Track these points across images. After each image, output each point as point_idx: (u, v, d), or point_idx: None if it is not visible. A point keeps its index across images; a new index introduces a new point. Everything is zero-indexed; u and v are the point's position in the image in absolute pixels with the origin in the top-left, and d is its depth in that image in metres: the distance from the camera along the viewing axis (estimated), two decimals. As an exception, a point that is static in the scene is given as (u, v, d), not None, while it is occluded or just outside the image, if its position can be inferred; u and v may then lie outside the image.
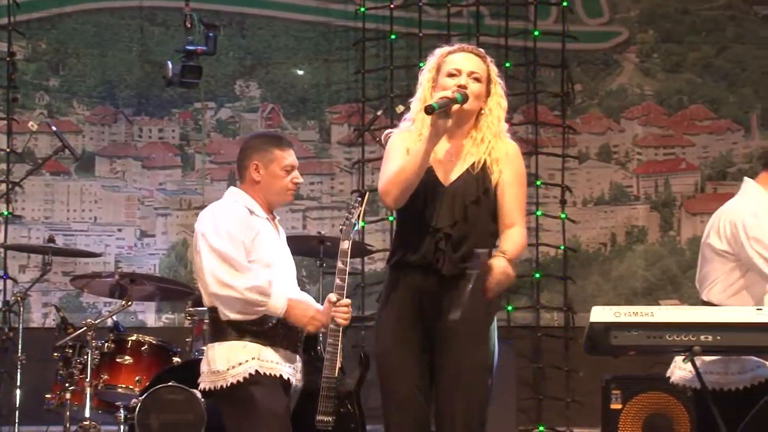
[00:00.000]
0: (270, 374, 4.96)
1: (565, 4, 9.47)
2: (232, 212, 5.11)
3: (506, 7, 9.53)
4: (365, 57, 9.59)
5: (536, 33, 9.49)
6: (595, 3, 9.80)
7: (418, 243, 4.52)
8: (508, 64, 9.44)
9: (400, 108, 8.65)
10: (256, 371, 4.93)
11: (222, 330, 5.03)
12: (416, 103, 4.71)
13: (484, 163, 4.57)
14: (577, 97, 9.61)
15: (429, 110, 4.37)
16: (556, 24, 9.60)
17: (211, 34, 8.75)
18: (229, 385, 4.97)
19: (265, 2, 9.79)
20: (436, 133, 4.41)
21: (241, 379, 4.97)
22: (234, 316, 4.96)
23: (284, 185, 5.19)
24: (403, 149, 4.57)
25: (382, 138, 4.76)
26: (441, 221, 4.51)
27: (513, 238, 4.58)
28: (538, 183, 9.21)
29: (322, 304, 5.32)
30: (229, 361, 4.98)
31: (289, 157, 5.21)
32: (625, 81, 9.77)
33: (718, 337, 4.78)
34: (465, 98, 4.49)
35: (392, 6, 9.51)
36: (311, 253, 7.93)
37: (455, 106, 4.43)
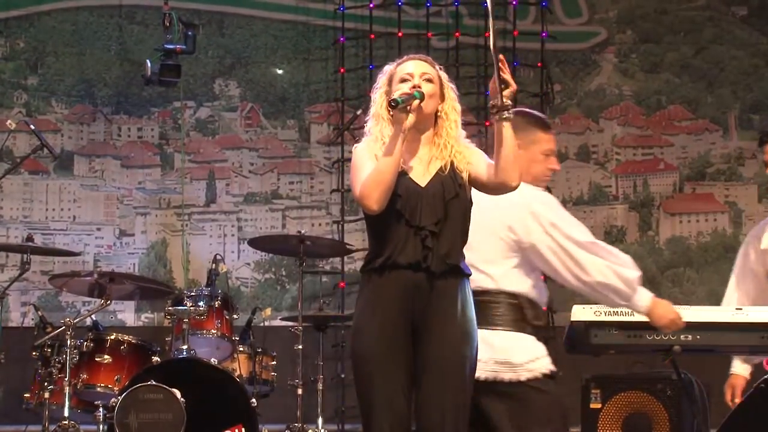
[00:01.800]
0: (554, 376, 4.77)
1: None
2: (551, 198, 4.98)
3: (485, 7, 9.54)
4: (344, 56, 9.60)
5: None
6: (574, 3, 9.83)
7: (403, 244, 4.51)
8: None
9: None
10: (550, 371, 4.73)
11: (521, 320, 4.78)
12: (372, 120, 4.71)
13: (452, 164, 4.60)
14: (556, 97, 9.63)
15: (393, 104, 4.42)
16: (535, 24, 9.63)
17: (190, 33, 8.73)
18: (523, 379, 4.73)
19: (245, 1, 9.79)
20: (401, 129, 4.44)
21: (539, 375, 4.74)
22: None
23: (542, 170, 5.01)
24: (371, 155, 4.59)
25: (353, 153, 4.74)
26: (425, 220, 4.51)
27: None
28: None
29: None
30: (528, 354, 4.74)
31: (551, 141, 5.01)
32: (603, 81, 9.81)
33: (698, 337, 4.81)
34: (422, 97, 4.51)
35: (371, 5, 9.52)
36: (291, 252, 7.93)
37: (414, 102, 4.46)
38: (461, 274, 4.58)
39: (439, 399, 4.51)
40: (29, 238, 7.88)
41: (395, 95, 4.48)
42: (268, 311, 8.36)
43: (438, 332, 4.51)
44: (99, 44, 9.66)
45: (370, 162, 4.55)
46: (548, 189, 9.18)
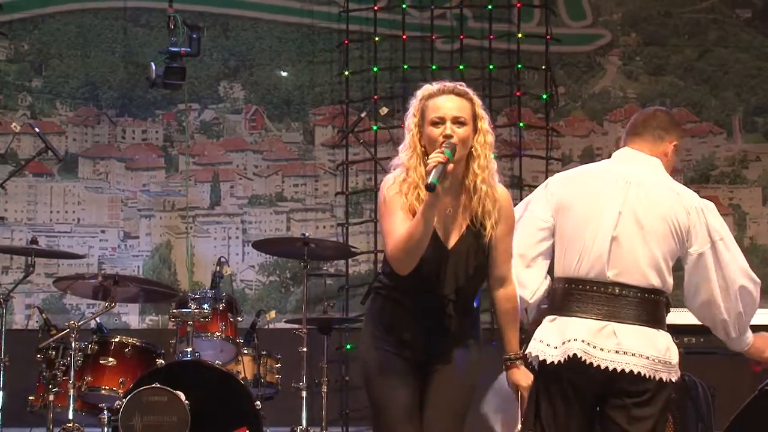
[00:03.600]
0: None
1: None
2: None
3: (489, 10, 9.56)
4: (349, 59, 9.60)
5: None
6: (578, 6, 9.83)
7: (425, 301, 4.51)
8: (491, 67, 9.49)
9: (384, 110, 8.70)
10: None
11: (664, 319, 4.66)
12: (405, 150, 4.55)
13: (480, 217, 4.52)
14: (561, 100, 9.64)
15: (431, 188, 4.25)
16: (540, 26, 9.63)
17: (194, 36, 8.74)
18: (672, 380, 4.61)
19: (249, 4, 9.79)
20: (436, 196, 4.30)
21: (678, 378, 4.68)
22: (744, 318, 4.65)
23: (670, 169, 5.03)
24: (403, 203, 4.47)
25: (382, 189, 4.59)
26: (446, 288, 4.50)
27: (514, 322, 4.67)
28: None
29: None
30: (677, 356, 4.62)
31: None
32: (608, 84, 9.81)
33: (702, 339, 4.81)
34: (453, 150, 4.36)
35: (376, 8, 9.52)
36: (295, 254, 7.93)
37: (449, 166, 4.33)
38: (474, 307, 4.63)
39: (443, 421, 4.55)
40: (33, 241, 7.88)
41: (429, 177, 4.26)
42: (273, 314, 8.35)
43: (449, 355, 4.58)
44: (103, 47, 9.67)
45: (402, 213, 4.44)
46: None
